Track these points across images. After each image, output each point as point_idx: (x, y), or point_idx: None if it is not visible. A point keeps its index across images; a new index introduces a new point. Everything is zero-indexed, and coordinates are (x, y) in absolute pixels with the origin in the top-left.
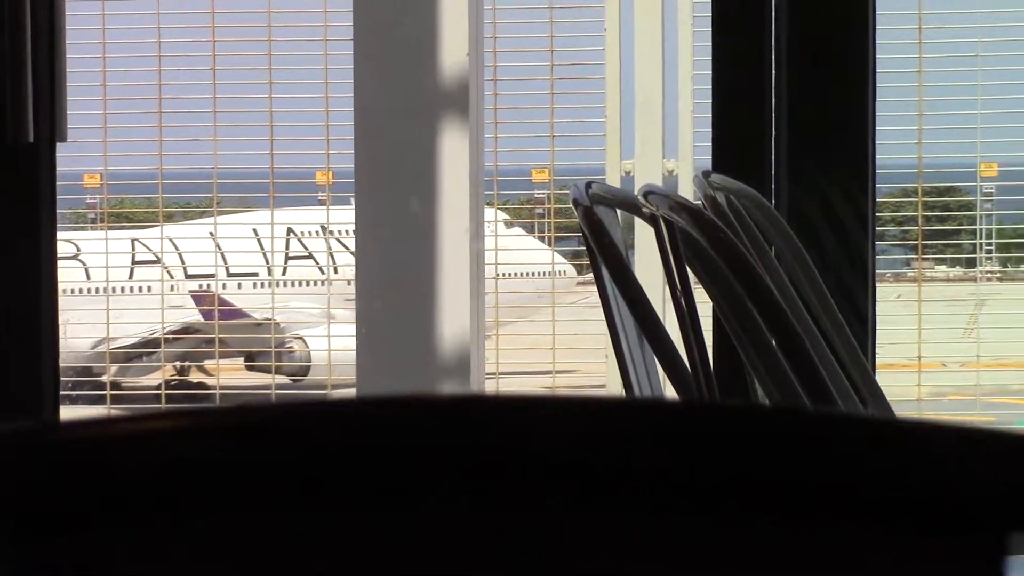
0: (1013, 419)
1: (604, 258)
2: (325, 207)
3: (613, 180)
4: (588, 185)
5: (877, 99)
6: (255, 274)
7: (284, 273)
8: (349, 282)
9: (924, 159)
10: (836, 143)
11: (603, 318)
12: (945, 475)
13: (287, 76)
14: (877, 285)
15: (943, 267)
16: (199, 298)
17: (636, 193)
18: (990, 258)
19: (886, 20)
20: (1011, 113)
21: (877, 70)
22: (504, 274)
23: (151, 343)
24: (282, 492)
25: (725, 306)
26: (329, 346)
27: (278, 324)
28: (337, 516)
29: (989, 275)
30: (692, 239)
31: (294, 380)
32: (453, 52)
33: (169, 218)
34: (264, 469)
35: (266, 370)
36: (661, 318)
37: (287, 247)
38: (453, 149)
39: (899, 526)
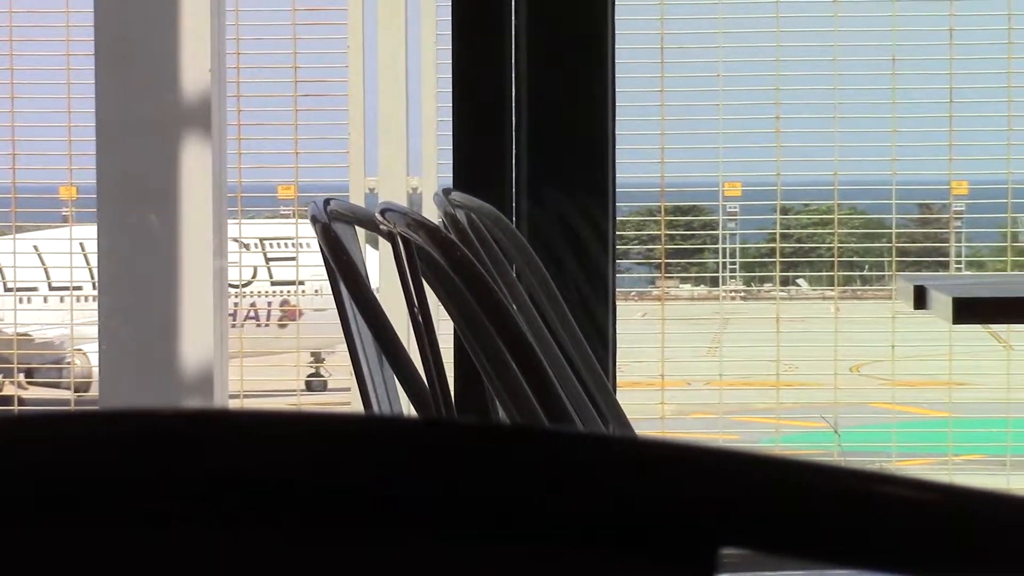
0: (756, 437)
1: (342, 275)
2: (69, 224)
3: (357, 197)
4: (327, 202)
5: (617, 118)
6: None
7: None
8: (92, 298)
9: (667, 178)
10: (577, 162)
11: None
12: (656, 492)
13: (29, 90)
14: (621, 303)
15: (687, 285)
16: None
17: (375, 210)
18: (734, 277)
19: (627, 39)
20: (753, 133)
21: (618, 88)
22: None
23: None
24: None
25: (464, 324)
26: (75, 361)
27: (32, 339)
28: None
29: (733, 294)
30: (432, 257)
31: (78, 395)
32: (195, 68)
33: None
34: None
35: (49, 385)
36: (405, 335)
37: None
38: (196, 165)
39: (617, 547)
